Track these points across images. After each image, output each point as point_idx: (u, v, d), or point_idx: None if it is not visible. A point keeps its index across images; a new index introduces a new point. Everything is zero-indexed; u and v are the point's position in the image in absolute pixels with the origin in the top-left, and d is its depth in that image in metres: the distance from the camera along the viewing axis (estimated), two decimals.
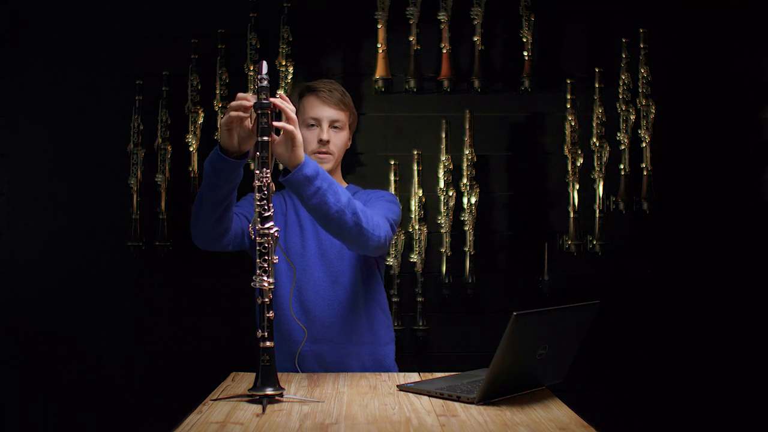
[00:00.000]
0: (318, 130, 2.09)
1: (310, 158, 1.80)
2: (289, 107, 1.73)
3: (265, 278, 1.64)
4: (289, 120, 1.72)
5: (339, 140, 2.11)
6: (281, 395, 1.63)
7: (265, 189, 1.64)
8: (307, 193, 1.78)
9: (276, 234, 1.66)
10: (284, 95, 1.74)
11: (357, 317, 2.09)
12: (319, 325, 2.06)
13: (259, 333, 1.63)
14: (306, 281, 2.08)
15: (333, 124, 2.10)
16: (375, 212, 1.97)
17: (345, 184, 2.22)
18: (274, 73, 2.79)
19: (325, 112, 2.09)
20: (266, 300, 1.63)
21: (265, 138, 1.65)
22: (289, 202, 2.18)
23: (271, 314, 1.64)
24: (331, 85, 2.13)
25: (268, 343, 1.62)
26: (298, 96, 2.14)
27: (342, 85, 2.20)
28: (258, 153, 1.65)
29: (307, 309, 2.07)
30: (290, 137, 1.72)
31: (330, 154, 2.09)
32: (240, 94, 1.72)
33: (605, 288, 2.86)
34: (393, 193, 2.23)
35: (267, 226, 1.64)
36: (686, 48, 2.93)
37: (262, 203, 1.64)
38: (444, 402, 1.64)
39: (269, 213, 1.64)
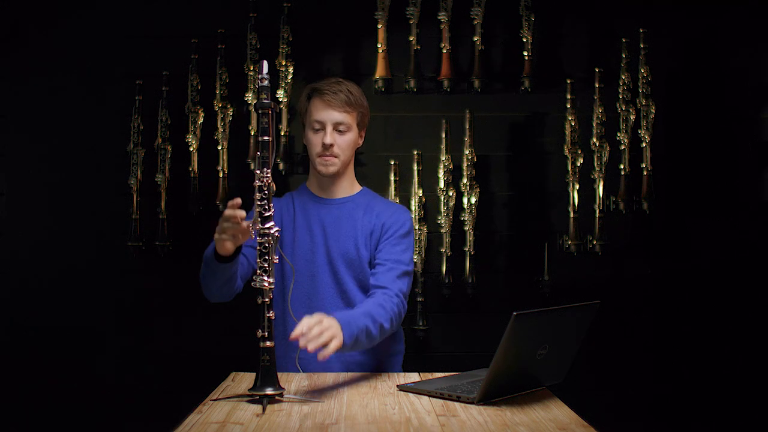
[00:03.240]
0: (322, 134, 2.04)
1: (349, 339, 1.76)
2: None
3: (266, 278, 1.64)
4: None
5: (344, 142, 2.06)
6: (281, 395, 1.63)
7: (265, 189, 1.65)
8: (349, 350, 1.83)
9: (276, 234, 1.66)
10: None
11: None
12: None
13: (259, 333, 1.63)
14: (314, 287, 2.06)
15: (337, 127, 2.04)
16: (392, 275, 2.00)
17: (359, 187, 2.18)
18: (274, 73, 2.79)
19: (329, 115, 2.03)
20: (266, 300, 1.64)
21: (266, 138, 1.65)
22: (298, 206, 2.14)
23: (271, 314, 1.64)
24: (336, 86, 2.06)
25: (268, 343, 1.62)
26: (306, 97, 2.09)
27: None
28: (258, 153, 1.65)
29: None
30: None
31: (334, 156, 2.05)
32: (228, 211, 1.68)
33: (605, 288, 2.86)
34: (408, 211, 2.20)
35: (267, 225, 1.65)
36: (686, 48, 2.93)
37: (263, 203, 1.65)
38: (444, 402, 1.64)
39: (269, 213, 1.65)
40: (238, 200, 1.68)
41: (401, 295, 2.01)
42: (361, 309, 1.88)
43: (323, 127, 2.04)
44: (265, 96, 1.66)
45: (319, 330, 1.65)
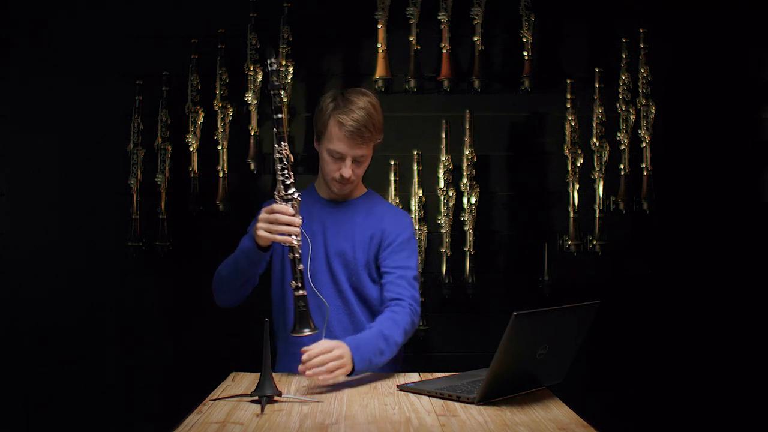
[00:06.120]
0: (341, 164, 2.03)
1: (360, 364, 1.82)
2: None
3: (294, 238, 1.81)
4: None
5: (361, 170, 2.08)
6: (280, 395, 1.63)
7: (284, 160, 1.83)
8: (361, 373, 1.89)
9: (298, 197, 1.84)
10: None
11: (361, 327, 2.07)
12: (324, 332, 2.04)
13: (294, 284, 1.79)
14: (314, 285, 2.06)
15: (356, 159, 2.04)
16: (404, 283, 2.03)
17: (364, 190, 2.20)
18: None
19: (351, 151, 2.01)
20: (296, 255, 1.81)
21: (279, 115, 1.83)
22: (303, 206, 2.10)
23: (300, 267, 1.80)
24: (358, 115, 1.98)
25: (301, 292, 1.81)
26: (328, 115, 2.01)
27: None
28: (275, 129, 1.83)
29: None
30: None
31: (350, 184, 2.08)
32: (281, 217, 1.82)
33: (605, 288, 2.86)
34: (409, 215, 2.22)
35: (290, 192, 1.84)
36: (686, 48, 2.93)
37: (284, 173, 1.83)
38: (444, 402, 1.64)
39: (291, 180, 1.83)
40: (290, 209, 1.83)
41: (414, 303, 2.04)
42: (373, 330, 1.91)
43: (342, 158, 2.03)
44: (275, 78, 1.82)
45: (322, 359, 1.72)
